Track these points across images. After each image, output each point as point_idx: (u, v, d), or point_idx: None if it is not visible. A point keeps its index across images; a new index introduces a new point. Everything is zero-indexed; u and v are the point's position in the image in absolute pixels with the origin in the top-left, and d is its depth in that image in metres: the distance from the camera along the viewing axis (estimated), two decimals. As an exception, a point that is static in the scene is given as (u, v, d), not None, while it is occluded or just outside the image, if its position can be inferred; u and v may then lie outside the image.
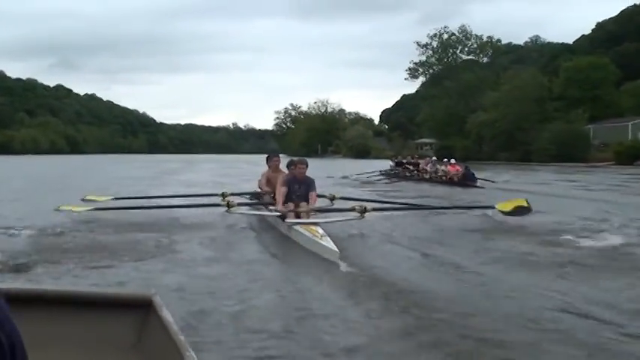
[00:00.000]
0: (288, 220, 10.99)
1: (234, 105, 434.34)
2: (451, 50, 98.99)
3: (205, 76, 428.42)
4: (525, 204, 12.87)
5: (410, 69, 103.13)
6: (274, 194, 12.51)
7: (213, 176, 35.77)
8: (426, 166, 31.38)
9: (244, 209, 13.06)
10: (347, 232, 11.26)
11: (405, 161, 35.97)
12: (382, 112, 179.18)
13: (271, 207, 12.41)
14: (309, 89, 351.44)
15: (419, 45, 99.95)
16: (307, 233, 9.97)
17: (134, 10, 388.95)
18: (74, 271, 7.74)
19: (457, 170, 27.64)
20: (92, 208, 12.69)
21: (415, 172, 32.19)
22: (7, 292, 2.18)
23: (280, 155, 15.40)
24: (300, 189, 11.80)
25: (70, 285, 5.60)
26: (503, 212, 12.82)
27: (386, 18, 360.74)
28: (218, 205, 12.61)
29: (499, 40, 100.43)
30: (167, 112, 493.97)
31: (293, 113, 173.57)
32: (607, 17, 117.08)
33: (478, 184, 25.55)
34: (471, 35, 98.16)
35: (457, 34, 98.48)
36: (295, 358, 4.80)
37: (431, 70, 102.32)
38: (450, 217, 14.15)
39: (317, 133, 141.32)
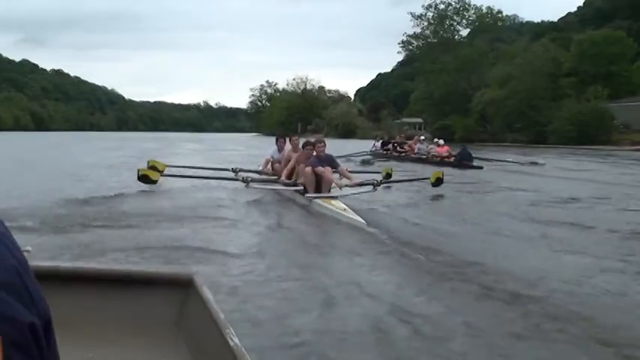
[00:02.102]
0: (309, 195, 11.61)
1: (205, 83, 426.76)
2: (448, 22, 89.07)
3: (177, 53, 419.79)
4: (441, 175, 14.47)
5: (403, 42, 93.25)
6: (290, 173, 13.21)
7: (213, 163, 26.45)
8: (415, 145, 29.99)
9: (261, 184, 13.52)
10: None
11: (392, 141, 34.22)
12: (357, 92, 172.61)
13: (285, 182, 12.96)
14: (282, 68, 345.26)
15: (413, 16, 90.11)
16: (330, 207, 10.59)
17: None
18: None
19: (446, 151, 27.03)
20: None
21: (404, 152, 30.96)
22: (48, 270, 2.26)
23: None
24: (323, 163, 12.16)
25: (111, 263, 5.52)
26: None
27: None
28: (237, 179, 13.46)
29: (500, 12, 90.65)
30: (137, 90, 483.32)
31: (269, 91, 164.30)
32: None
33: (475, 164, 24.82)
34: (469, 6, 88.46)
35: (454, 4, 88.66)
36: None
37: (424, 43, 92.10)
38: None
39: (296, 111, 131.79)
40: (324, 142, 12.69)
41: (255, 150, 30.07)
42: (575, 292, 5.95)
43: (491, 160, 27.83)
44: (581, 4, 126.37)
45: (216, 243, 7.99)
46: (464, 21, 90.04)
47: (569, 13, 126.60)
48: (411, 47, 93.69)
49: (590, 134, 61.28)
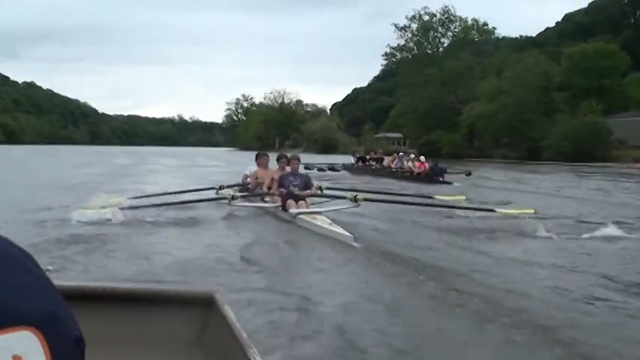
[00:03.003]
0: (292, 210, 11.41)
1: (179, 97, 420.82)
2: (432, 33, 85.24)
3: (151, 68, 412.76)
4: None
5: (387, 54, 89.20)
6: (268, 187, 13.24)
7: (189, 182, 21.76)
8: (392, 162, 30.42)
9: (244, 202, 13.17)
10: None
11: (367, 157, 34.80)
12: (332, 106, 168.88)
13: (267, 198, 12.92)
14: (257, 83, 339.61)
15: (397, 27, 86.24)
16: (315, 222, 10.47)
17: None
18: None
19: (425, 167, 26.62)
20: (113, 207, 11.46)
21: (379, 167, 31.49)
22: (69, 289, 2.18)
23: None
24: (295, 180, 12.33)
25: (129, 281, 5.07)
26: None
27: (333, 13, 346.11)
28: (223, 198, 12.60)
29: (486, 24, 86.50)
30: (111, 104, 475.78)
31: (245, 104, 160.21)
32: (575, 9, 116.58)
33: (445, 179, 24.76)
34: (455, 17, 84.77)
35: (439, 15, 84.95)
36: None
37: (409, 55, 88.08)
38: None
39: (273, 125, 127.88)
40: (299, 159, 13.38)
41: (237, 166, 25.91)
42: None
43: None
44: (559, 19, 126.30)
45: (208, 260, 7.88)
46: (449, 33, 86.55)
47: (547, 28, 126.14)
48: (394, 59, 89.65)
49: (586, 150, 58.16)
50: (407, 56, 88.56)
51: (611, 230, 10.22)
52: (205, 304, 2.45)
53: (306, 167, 26.74)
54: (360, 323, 5.15)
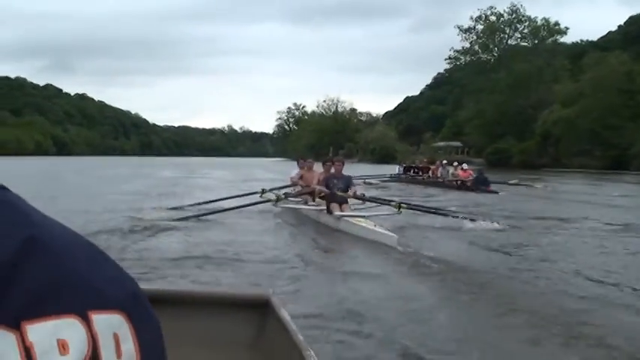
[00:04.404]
0: (337, 213, 11.69)
1: (229, 108, 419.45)
2: (499, 35, 78.59)
3: (200, 79, 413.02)
4: None
5: (450, 57, 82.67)
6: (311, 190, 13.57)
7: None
8: (436, 171, 30.30)
9: (289, 204, 13.63)
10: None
11: (413, 165, 35.00)
12: (384, 115, 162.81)
13: (311, 202, 13.39)
14: (305, 93, 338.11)
15: (460, 29, 79.80)
16: (360, 224, 10.75)
17: (132, 13, 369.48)
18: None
19: (469, 175, 26.21)
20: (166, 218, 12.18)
21: (426, 176, 31.22)
22: None
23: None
24: (339, 183, 12.47)
25: (186, 284, 5.47)
26: None
27: (379, 24, 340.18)
28: (269, 200, 13.31)
29: (557, 23, 79.01)
30: (161, 115, 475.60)
31: (297, 113, 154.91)
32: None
33: (492, 188, 24.15)
34: (523, 17, 77.93)
35: (506, 15, 78.19)
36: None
37: (474, 58, 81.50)
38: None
39: (326, 134, 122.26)
40: (343, 161, 13.61)
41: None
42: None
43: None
44: (622, 22, 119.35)
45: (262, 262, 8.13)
46: (516, 34, 79.62)
47: (610, 32, 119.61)
48: (458, 63, 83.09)
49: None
50: (472, 59, 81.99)
51: None
52: (261, 306, 2.50)
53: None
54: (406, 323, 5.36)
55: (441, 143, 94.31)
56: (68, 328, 0.51)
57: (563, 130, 63.03)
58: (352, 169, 46.42)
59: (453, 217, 12.34)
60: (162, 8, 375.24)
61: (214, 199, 15.20)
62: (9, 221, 0.54)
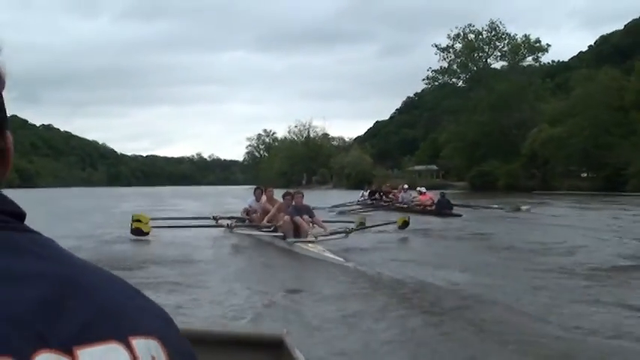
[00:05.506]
0: (290, 240, 12.84)
1: (198, 137, 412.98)
2: (478, 54, 75.29)
3: (168, 108, 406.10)
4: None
5: (428, 78, 78.77)
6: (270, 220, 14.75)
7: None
8: (399, 194, 30.29)
9: (244, 230, 15.15)
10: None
11: (378, 190, 34.55)
12: (354, 141, 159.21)
13: (265, 228, 14.55)
14: (274, 120, 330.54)
15: (438, 48, 76.15)
16: (312, 249, 11.83)
17: (99, 43, 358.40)
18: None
19: (429, 199, 26.82)
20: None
21: (390, 202, 30.72)
22: None
23: (252, 186, 19.14)
24: (300, 212, 13.47)
25: (198, 322, 5.46)
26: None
27: (345, 50, 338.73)
28: (221, 226, 15.49)
29: (538, 40, 75.38)
30: (130, 145, 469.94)
31: (267, 140, 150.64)
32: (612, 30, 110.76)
33: (454, 211, 24.58)
34: (503, 35, 74.69)
35: (485, 33, 74.95)
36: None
37: (453, 80, 78.11)
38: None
39: (299, 160, 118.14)
40: (302, 194, 14.52)
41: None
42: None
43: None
44: (591, 43, 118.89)
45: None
46: (496, 52, 76.34)
47: (581, 52, 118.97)
48: (436, 83, 79.49)
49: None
50: (449, 79, 78.57)
51: None
52: (275, 346, 2.45)
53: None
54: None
55: (420, 167, 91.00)
56: (113, 352, 0.56)
57: (551, 151, 59.49)
58: (327, 197, 42.72)
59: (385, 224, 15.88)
60: (130, 38, 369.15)
61: (176, 217, 17.42)
62: (52, 261, 0.59)
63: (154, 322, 0.63)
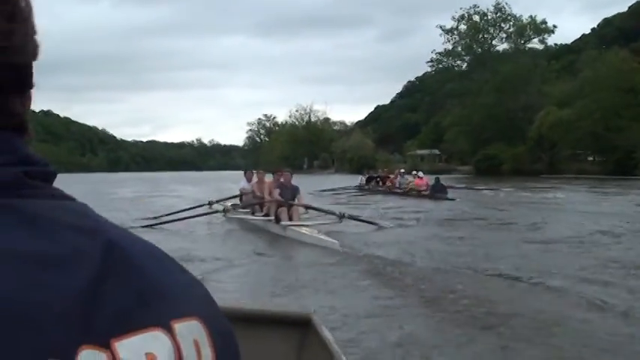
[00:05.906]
0: (284, 223, 12.94)
1: (198, 122, 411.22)
2: (483, 35, 73.40)
3: (169, 93, 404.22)
4: None
5: (432, 60, 77.01)
6: (262, 198, 15.06)
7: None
8: (395, 179, 30.66)
9: (239, 214, 15.57)
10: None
11: (375, 175, 35.09)
12: (355, 124, 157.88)
13: (258, 213, 14.98)
14: (274, 105, 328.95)
15: (443, 30, 74.33)
16: (305, 232, 12.04)
17: (98, 29, 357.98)
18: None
19: (424, 183, 27.26)
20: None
21: (386, 186, 31.72)
22: None
23: (256, 171, 17.94)
24: (287, 192, 13.88)
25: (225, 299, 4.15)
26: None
27: (347, 34, 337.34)
28: (217, 211, 15.66)
29: (544, 21, 73.63)
30: (129, 130, 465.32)
31: (267, 124, 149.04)
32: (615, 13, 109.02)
33: (449, 196, 24.76)
34: (510, 16, 72.78)
35: (490, 14, 73.05)
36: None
37: (458, 62, 76.34)
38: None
39: (300, 145, 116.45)
40: (290, 172, 15.22)
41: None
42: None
43: None
44: (594, 25, 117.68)
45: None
46: (501, 34, 74.49)
47: (584, 35, 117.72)
48: (441, 65, 77.66)
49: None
50: (453, 62, 76.80)
51: None
52: (302, 325, 2.45)
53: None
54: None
55: (423, 151, 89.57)
56: (154, 341, 0.52)
57: (560, 134, 57.94)
58: (329, 181, 41.43)
59: (380, 227, 14.46)
60: (129, 23, 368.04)
61: (165, 213, 16.41)
62: (89, 235, 0.55)
63: (195, 299, 0.59)
